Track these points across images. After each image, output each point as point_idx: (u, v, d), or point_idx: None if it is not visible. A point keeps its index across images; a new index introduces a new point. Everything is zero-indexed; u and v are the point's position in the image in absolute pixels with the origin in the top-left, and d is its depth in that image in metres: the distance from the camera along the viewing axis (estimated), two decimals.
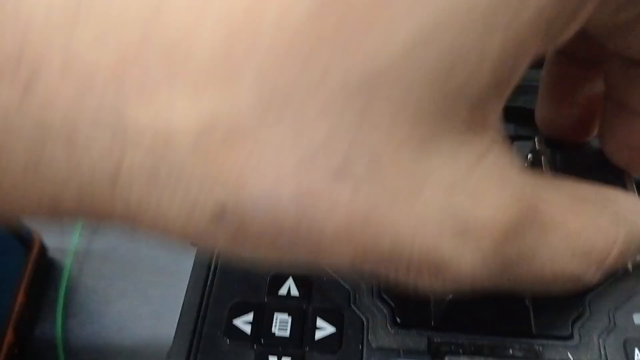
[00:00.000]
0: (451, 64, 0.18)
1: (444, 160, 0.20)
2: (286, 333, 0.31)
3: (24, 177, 0.19)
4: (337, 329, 0.31)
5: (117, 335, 0.54)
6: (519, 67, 0.20)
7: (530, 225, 0.22)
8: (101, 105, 0.18)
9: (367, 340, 0.31)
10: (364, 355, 0.31)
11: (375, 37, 0.18)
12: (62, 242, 0.59)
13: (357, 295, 0.33)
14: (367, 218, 0.19)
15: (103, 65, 0.18)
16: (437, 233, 0.20)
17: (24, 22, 0.18)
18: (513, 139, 0.38)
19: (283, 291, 0.33)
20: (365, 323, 0.32)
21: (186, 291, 0.33)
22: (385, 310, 0.32)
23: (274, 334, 0.31)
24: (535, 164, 0.36)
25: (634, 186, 0.34)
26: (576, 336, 0.32)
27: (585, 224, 0.24)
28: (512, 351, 0.31)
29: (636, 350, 0.31)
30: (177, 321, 0.33)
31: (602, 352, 0.31)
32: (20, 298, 0.53)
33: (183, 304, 0.33)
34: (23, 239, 0.55)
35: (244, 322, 0.32)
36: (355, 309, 0.32)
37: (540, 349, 0.31)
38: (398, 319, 0.32)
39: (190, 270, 0.34)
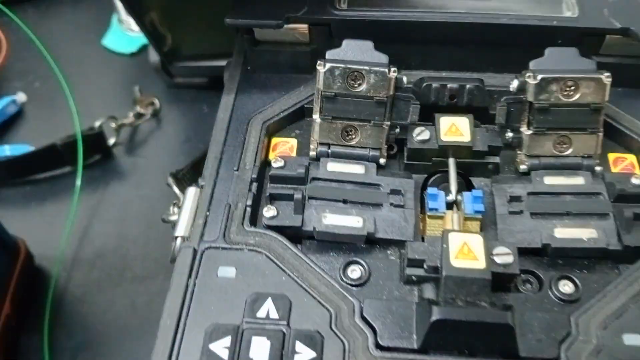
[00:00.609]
0: None
1: None
2: (264, 358, 0.30)
3: None
4: (317, 354, 0.30)
5: (105, 347, 0.53)
6: None
7: None
8: None
9: None
10: None
11: None
12: (49, 249, 0.58)
13: (338, 317, 0.32)
14: None
15: None
16: None
17: None
18: None
19: (262, 313, 0.32)
20: (346, 346, 0.31)
21: (162, 315, 0.32)
22: (367, 333, 0.31)
23: (252, 359, 0.30)
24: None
25: None
26: (563, 358, 0.31)
27: None
28: None
29: None
30: None
31: None
32: (5, 308, 0.52)
33: (159, 327, 0.32)
34: (8, 247, 0.54)
35: (220, 347, 0.31)
36: (336, 331, 0.31)
37: None
38: (380, 342, 0.31)
39: (170, 281, 0.34)
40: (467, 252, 0.32)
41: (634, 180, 0.35)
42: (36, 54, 0.68)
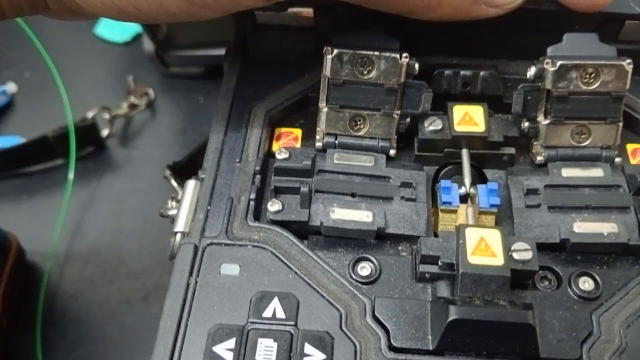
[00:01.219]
0: None
1: None
2: None
3: None
4: (327, 356, 0.29)
5: (99, 345, 0.51)
6: None
7: None
8: None
9: None
10: None
11: None
12: (40, 244, 0.56)
13: (348, 317, 0.30)
14: None
15: None
16: None
17: None
18: None
19: (268, 313, 0.30)
20: (357, 348, 0.29)
21: (162, 315, 0.30)
22: (379, 333, 0.30)
23: None
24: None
25: None
26: (585, 358, 0.29)
27: None
28: None
29: None
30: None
31: None
32: None
33: (159, 329, 0.30)
34: None
35: (224, 349, 0.29)
36: (346, 332, 0.30)
37: None
38: (394, 343, 0.29)
39: (170, 279, 0.32)
40: (484, 248, 0.30)
41: None
42: (26, 42, 0.66)
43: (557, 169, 0.35)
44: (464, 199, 0.34)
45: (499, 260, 0.30)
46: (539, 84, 0.34)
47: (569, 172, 0.35)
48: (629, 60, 0.34)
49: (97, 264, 0.56)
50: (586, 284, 0.32)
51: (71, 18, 0.36)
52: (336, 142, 0.36)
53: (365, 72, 0.34)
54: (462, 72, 0.37)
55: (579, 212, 0.34)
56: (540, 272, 0.32)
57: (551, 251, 0.33)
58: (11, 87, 0.65)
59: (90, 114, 0.61)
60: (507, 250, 0.30)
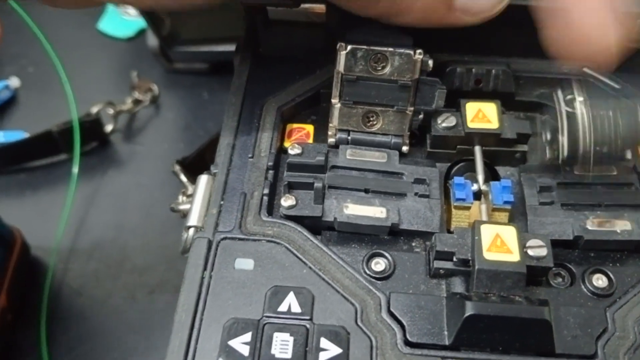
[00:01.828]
0: None
1: None
2: (287, 355, 0.29)
3: None
4: (343, 350, 0.29)
5: (103, 340, 0.51)
6: None
7: None
8: None
9: None
10: None
11: None
12: (45, 239, 0.56)
13: (364, 312, 0.30)
14: None
15: None
16: None
17: None
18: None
19: (283, 307, 0.30)
20: (373, 343, 0.29)
21: (176, 309, 0.30)
22: (395, 329, 0.30)
23: (274, 355, 0.29)
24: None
25: None
26: (600, 355, 0.29)
27: None
28: None
29: None
30: (167, 329, 0.31)
31: None
32: (1, 300, 0.50)
33: (174, 323, 0.30)
34: (3, 237, 0.52)
35: (240, 343, 0.29)
36: (362, 327, 0.30)
37: None
38: (409, 338, 0.30)
39: (184, 274, 0.32)
40: (500, 244, 0.30)
41: None
42: (29, 37, 0.66)
43: (569, 167, 0.35)
44: (476, 195, 0.34)
45: (514, 256, 0.30)
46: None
47: (581, 170, 0.35)
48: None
49: (101, 259, 0.55)
50: (599, 280, 0.32)
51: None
52: (349, 138, 0.36)
53: (379, 68, 0.34)
54: (474, 69, 0.37)
55: (592, 209, 0.34)
56: (553, 269, 0.32)
57: (564, 248, 0.33)
58: (14, 82, 0.65)
59: (94, 109, 0.60)
60: (522, 246, 0.30)
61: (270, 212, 0.34)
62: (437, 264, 0.31)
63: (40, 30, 0.64)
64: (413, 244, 0.33)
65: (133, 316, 0.53)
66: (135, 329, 0.52)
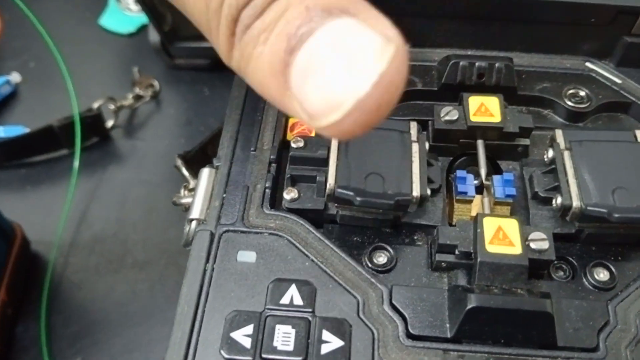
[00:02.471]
0: None
1: None
2: (289, 347, 0.29)
3: None
4: (345, 343, 0.29)
5: (104, 335, 0.51)
6: None
7: None
8: None
9: (378, 354, 0.29)
10: None
11: None
12: (45, 234, 0.56)
13: (365, 304, 0.30)
14: None
15: None
16: None
17: None
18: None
19: (285, 300, 0.30)
20: (375, 335, 0.29)
21: (179, 301, 0.30)
22: (397, 321, 0.30)
23: (276, 348, 0.29)
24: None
25: None
26: (602, 347, 0.29)
27: None
28: None
29: None
30: (168, 323, 0.31)
31: None
32: (1, 295, 0.50)
33: (176, 315, 0.30)
34: (4, 231, 0.52)
35: (242, 335, 0.29)
36: (364, 319, 0.30)
37: None
38: (411, 330, 0.30)
39: (187, 266, 0.32)
40: (502, 237, 0.30)
41: None
42: (30, 32, 0.66)
43: None
44: (478, 189, 0.34)
45: (516, 249, 0.30)
46: None
47: None
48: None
49: (102, 253, 0.55)
50: (601, 274, 0.32)
51: None
52: None
53: None
54: (477, 63, 0.37)
55: None
56: (555, 262, 0.32)
57: (566, 242, 0.33)
58: (15, 77, 0.65)
59: (95, 105, 0.60)
60: (525, 239, 0.30)
61: (272, 205, 0.34)
62: (439, 256, 0.32)
63: (41, 25, 0.64)
64: (415, 237, 0.34)
65: (134, 310, 0.53)
66: (136, 323, 0.52)
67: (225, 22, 0.24)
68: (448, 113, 0.36)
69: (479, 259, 0.30)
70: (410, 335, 0.29)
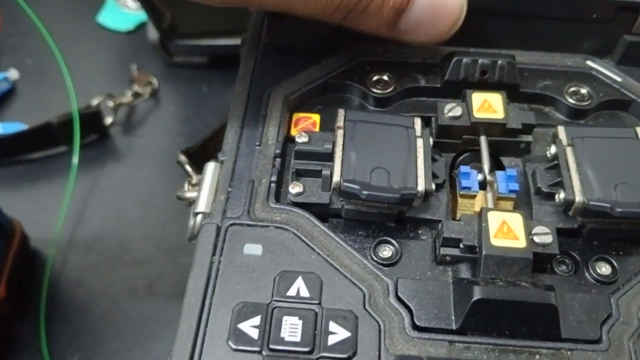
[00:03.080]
0: None
1: None
2: (297, 338, 0.29)
3: None
4: (351, 334, 0.29)
5: (103, 333, 0.51)
6: None
7: None
8: None
9: (385, 345, 0.29)
10: None
11: None
12: (44, 231, 0.56)
13: (371, 297, 0.30)
14: None
15: None
16: None
17: None
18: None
19: (292, 292, 0.30)
20: (381, 327, 0.30)
21: (186, 294, 0.30)
22: (402, 313, 0.30)
23: (283, 338, 0.29)
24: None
25: None
26: (605, 339, 0.30)
27: None
28: (539, 357, 0.29)
29: None
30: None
31: (634, 356, 0.29)
32: (0, 291, 0.50)
33: (183, 307, 0.30)
34: (3, 228, 0.52)
35: (250, 327, 0.29)
36: (370, 311, 0.30)
37: (570, 354, 0.29)
38: (417, 322, 0.30)
39: (193, 259, 0.32)
40: (506, 231, 0.30)
41: None
42: (28, 29, 0.66)
43: None
44: (482, 185, 0.35)
45: (521, 242, 0.30)
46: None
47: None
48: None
49: (101, 251, 0.55)
50: (603, 268, 0.33)
51: None
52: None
53: None
54: (480, 60, 0.37)
55: None
56: (558, 256, 0.33)
57: (568, 237, 0.34)
58: (13, 74, 0.65)
59: (94, 102, 0.60)
60: (529, 233, 0.31)
61: (278, 200, 0.34)
62: (444, 250, 0.32)
63: (39, 21, 0.64)
64: (419, 232, 0.34)
65: (132, 308, 0.53)
66: (134, 321, 0.52)
67: None
68: (452, 109, 0.36)
69: (484, 252, 0.30)
70: (416, 327, 0.30)
